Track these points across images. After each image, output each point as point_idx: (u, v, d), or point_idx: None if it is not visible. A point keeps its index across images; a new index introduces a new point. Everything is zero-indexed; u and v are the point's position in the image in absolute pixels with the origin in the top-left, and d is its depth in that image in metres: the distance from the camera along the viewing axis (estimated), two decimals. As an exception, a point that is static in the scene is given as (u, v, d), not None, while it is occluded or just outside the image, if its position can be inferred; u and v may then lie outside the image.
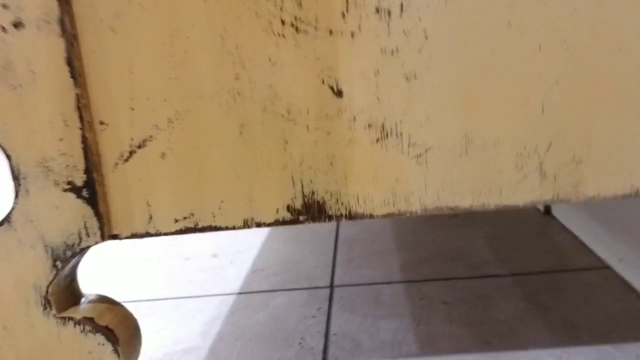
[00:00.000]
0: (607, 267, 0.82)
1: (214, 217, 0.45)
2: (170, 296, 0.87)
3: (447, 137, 0.43)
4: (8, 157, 0.44)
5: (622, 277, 0.78)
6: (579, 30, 0.41)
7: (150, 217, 0.45)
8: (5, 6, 0.41)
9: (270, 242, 1.08)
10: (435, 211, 0.45)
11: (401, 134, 0.43)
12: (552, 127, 0.43)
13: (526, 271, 0.83)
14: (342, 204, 0.45)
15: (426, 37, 0.42)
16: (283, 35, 0.42)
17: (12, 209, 0.44)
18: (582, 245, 0.91)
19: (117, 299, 0.88)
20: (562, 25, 0.41)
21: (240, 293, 0.85)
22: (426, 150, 0.43)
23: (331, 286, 0.85)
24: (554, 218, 1.06)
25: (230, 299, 0.83)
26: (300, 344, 0.68)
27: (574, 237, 0.95)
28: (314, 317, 0.75)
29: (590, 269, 0.82)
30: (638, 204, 0.75)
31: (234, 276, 0.93)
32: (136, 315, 0.80)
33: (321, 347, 0.67)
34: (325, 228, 1.14)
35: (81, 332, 0.46)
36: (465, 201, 0.44)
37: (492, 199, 0.44)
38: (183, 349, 0.70)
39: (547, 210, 1.09)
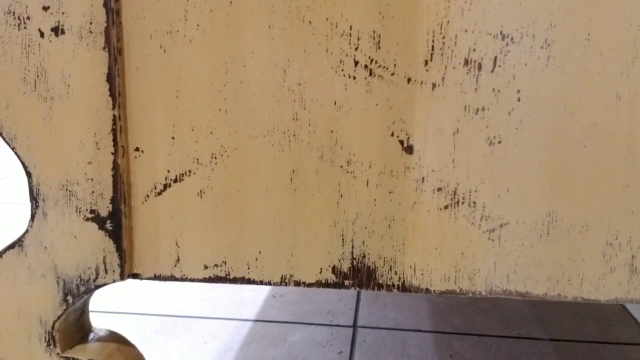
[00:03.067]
0: (657, 346, 0.75)
1: (248, 268, 0.40)
2: (183, 314, 0.82)
3: (528, 214, 0.37)
4: (28, 174, 0.39)
5: (674, 360, 0.71)
6: (701, 111, 0.35)
7: (178, 260, 0.40)
8: (45, 8, 0.36)
9: (292, 264, 1.03)
10: (502, 295, 0.39)
11: (475, 203, 0.37)
12: (653, 218, 0.37)
13: (568, 337, 0.77)
14: (395, 273, 0.39)
15: (519, 99, 0.36)
16: (354, 77, 0.36)
17: (26, 232, 0.40)
18: (629, 315, 0.85)
19: (129, 308, 0.84)
20: (681, 103, 0.35)
21: (256, 321, 0.80)
22: (501, 226, 0.38)
23: (354, 326, 0.79)
24: (596, 277, 0.99)
25: (246, 327, 0.78)
26: (317, 394, 0.63)
27: (621, 306, 0.88)
28: (334, 362, 0.69)
29: (636, 344, 0.75)
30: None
31: (252, 299, 0.88)
32: (146, 331, 0.76)
33: (340, 402, 0.62)
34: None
35: (86, 376, 0.41)
36: (538, 288, 0.38)
37: (571, 290, 0.38)
38: (191, 382, 0.65)
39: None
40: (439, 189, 0.38)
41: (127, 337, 0.74)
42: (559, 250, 0.38)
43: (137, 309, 0.84)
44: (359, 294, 0.91)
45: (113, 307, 0.85)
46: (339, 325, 0.79)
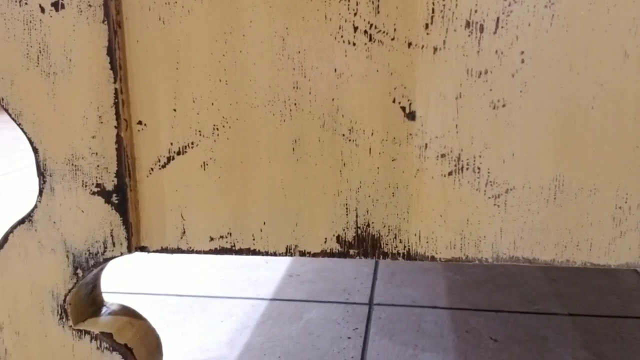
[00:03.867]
0: (680, 320, 0.74)
1: (253, 239, 0.40)
2: (200, 294, 0.83)
3: (534, 179, 0.37)
4: (35, 150, 0.39)
5: (697, 333, 0.70)
6: None
7: (184, 232, 0.40)
8: (45, -17, 0.37)
9: (309, 244, 1.03)
10: (509, 261, 0.38)
11: (479, 169, 0.37)
12: (664, 179, 0.36)
13: (587, 312, 0.76)
14: (400, 241, 0.39)
15: (523, 60, 0.35)
16: (354, 43, 0.36)
17: (35, 207, 0.40)
18: (651, 288, 0.83)
19: (146, 289, 0.85)
20: (692, 60, 0.34)
21: (273, 299, 0.81)
22: (507, 191, 0.37)
23: (370, 304, 0.79)
24: (618, 252, 0.97)
25: (262, 305, 0.79)
26: (332, 369, 0.63)
27: (641, 278, 0.87)
28: (349, 338, 0.69)
29: (659, 318, 0.74)
30: None
31: (268, 278, 0.88)
32: (164, 311, 0.77)
33: (355, 377, 0.62)
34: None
35: (97, 348, 0.42)
36: (546, 254, 0.38)
37: (579, 256, 0.37)
38: (208, 359, 0.65)
39: (611, 242, 1.00)
40: (443, 155, 0.37)
41: (145, 316, 0.76)
42: (567, 215, 0.37)
43: (155, 290, 0.85)
44: (375, 272, 0.90)
45: (131, 288, 0.86)
46: (354, 303, 0.79)
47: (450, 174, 0.37)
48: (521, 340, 0.69)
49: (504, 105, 0.36)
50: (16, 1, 0.37)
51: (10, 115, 0.39)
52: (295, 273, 0.90)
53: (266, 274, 0.90)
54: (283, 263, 0.95)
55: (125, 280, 0.89)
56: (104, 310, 0.45)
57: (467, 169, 0.37)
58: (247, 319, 0.75)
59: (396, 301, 0.80)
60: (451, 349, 0.66)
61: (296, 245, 0.40)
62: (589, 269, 0.91)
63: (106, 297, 0.83)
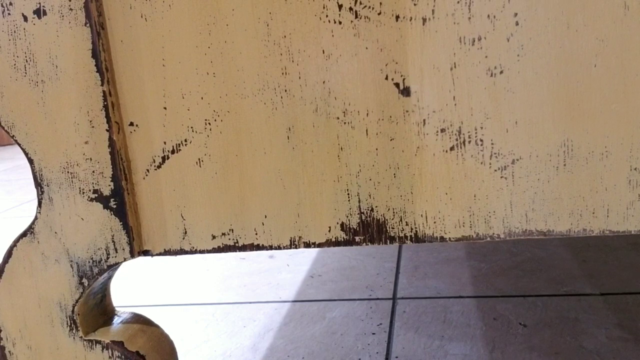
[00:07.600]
0: None
1: (256, 234, 0.39)
2: (222, 301, 0.82)
3: (541, 146, 0.35)
4: (30, 161, 0.39)
5: None
6: None
7: (185, 232, 0.39)
8: (25, -9, 0.36)
9: (330, 244, 1.01)
10: (522, 235, 0.36)
11: (482, 141, 0.35)
12: (680, 135, 0.34)
13: (619, 291, 0.73)
14: (406, 223, 0.37)
15: (517, 23, 0.33)
16: (339, 21, 0.35)
17: (35, 218, 0.40)
18: (686, 261, 0.80)
19: (166, 301, 0.85)
20: (698, 5, 0.32)
21: (295, 301, 0.80)
22: (513, 162, 0.35)
23: (394, 298, 0.77)
24: (649, 227, 0.94)
25: (285, 308, 0.78)
26: (357, 366, 0.62)
27: (676, 252, 0.83)
28: (373, 334, 0.68)
29: (697, 291, 0.71)
30: None
31: (290, 281, 0.87)
32: (185, 321, 0.76)
33: (381, 372, 0.60)
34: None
35: (109, 357, 0.41)
36: (561, 225, 0.36)
37: (596, 224, 0.35)
38: (231, 364, 0.64)
39: (642, 217, 0.97)
40: (443, 130, 0.36)
41: (167, 327, 0.75)
42: (579, 181, 0.35)
43: (176, 301, 0.84)
44: (398, 266, 0.89)
45: (151, 301, 0.86)
46: (378, 299, 0.78)
47: (452, 149, 0.36)
48: (552, 323, 0.66)
49: (501, 72, 0.34)
50: (-1, 12, 0.37)
51: (3, 128, 0.39)
52: (316, 274, 0.89)
53: (288, 276, 0.89)
54: (305, 265, 0.94)
55: (146, 293, 0.89)
56: (115, 319, 0.44)
57: (469, 142, 0.35)
58: (269, 322, 0.74)
59: (420, 294, 0.78)
60: (479, 337, 0.64)
61: (300, 237, 0.38)
62: (620, 247, 0.88)
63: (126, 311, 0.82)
